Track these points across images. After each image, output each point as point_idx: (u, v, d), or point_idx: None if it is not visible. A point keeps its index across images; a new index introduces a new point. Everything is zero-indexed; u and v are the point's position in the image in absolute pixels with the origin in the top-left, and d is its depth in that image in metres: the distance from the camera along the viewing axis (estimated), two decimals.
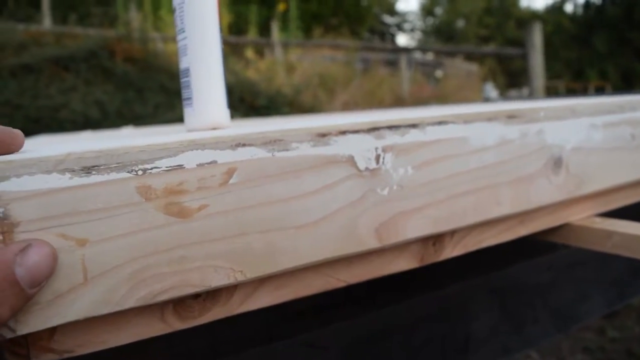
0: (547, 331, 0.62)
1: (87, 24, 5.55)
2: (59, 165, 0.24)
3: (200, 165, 0.27)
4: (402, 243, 0.35)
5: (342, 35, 7.94)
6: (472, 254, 0.44)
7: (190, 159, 0.27)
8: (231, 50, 6.59)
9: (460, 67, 8.19)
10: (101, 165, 0.25)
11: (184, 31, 0.36)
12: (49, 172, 0.24)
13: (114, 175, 0.25)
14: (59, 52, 4.25)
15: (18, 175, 0.23)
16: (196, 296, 0.30)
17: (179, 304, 0.30)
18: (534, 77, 5.53)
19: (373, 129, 0.33)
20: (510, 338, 0.59)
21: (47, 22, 5.93)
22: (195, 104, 0.37)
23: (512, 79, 10.86)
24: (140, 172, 0.25)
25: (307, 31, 8.62)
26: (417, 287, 0.53)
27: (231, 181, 0.28)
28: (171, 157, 0.26)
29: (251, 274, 0.29)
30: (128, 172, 0.25)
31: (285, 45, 6.92)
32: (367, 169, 0.32)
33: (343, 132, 0.32)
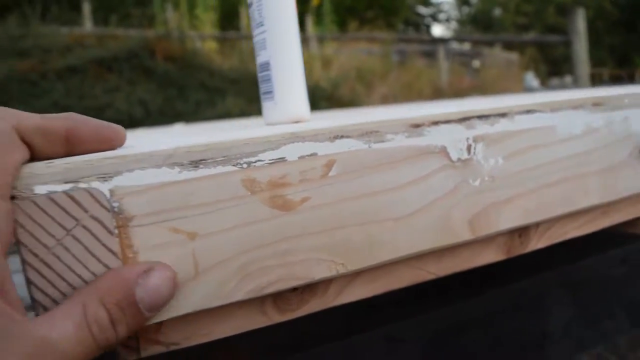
0: (623, 327, 0.61)
1: (127, 25, 5.67)
2: (169, 160, 0.24)
3: (301, 157, 0.27)
4: (493, 235, 0.35)
5: (377, 27, 7.88)
6: (545, 248, 0.43)
7: (291, 152, 0.26)
8: None
9: (499, 57, 8.02)
10: (208, 159, 0.25)
11: (262, 25, 0.36)
12: (159, 166, 0.24)
13: (220, 169, 0.25)
14: (102, 54, 4.35)
15: (130, 170, 0.23)
16: (294, 289, 0.30)
17: (279, 296, 0.30)
18: (577, 64, 5.37)
19: (464, 119, 0.32)
20: (585, 333, 0.58)
21: (88, 24, 6.08)
22: (277, 97, 0.37)
23: (553, 67, 10.59)
24: (245, 165, 0.25)
25: (341, 25, 8.58)
26: (492, 281, 0.52)
27: (331, 173, 0.27)
28: (273, 149, 0.26)
29: (352, 266, 0.29)
30: (233, 165, 0.25)
31: (321, 40, 6.92)
32: (459, 159, 0.32)
33: (435, 123, 0.31)
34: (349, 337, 0.45)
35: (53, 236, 0.22)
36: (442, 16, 17.35)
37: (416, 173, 0.30)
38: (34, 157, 0.23)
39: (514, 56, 8.32)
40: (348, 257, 0.29)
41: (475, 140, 0.32)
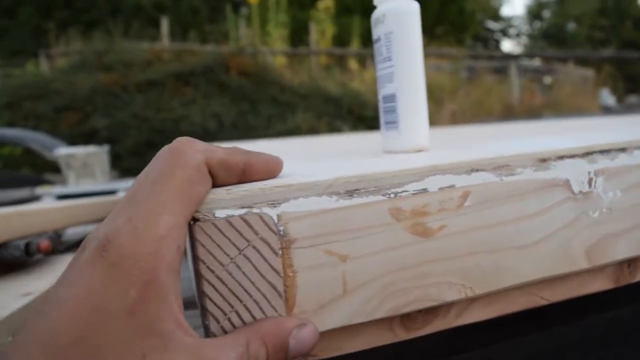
0: None
1: (203, 41, 5.90)
2: (328, 189, 0.27)
3: (441, 188, 0.29)
4: (608, 264, 0.36)
5: (446, 43, 7.81)
6: None
7: (433, 183, 0.29)
8: (335, 61, 6.71)
9: (573, 73, 7.77)
10: (362, 189, 0.27)
11: (390, 60, 0.39)
12: (319, 194, 0.27)
13: (371, 198, 0.28)
14: (180, 68, 4.55)
15: (295, 198, 0.26)
16: (420, 310, 0.32)
17: (406, 316, 0.32)
18: None
19: (587, 154, 0.33)
20: None
21: (166, 40, 6.37)
22: (402, 127, 0.39)
23: (631, 84, 10.14)
24: (392, 195, 0.28)
25: None
26: (588, 308, 0.52)
27: (466, 203, 0.30)
28: (417, 181, 0.28)
29: (478, 290, 0.31)
30: (382, 195, 0.28)
31: None
32: (580, 192, 0.33)
33: (561, 157, 0.33)
34: (448, 356, 0.46)
35: (228, 255, 0.25)
36: (512, 31, 16.98)
37: (541, 204, 0.32)
38: (214, 185, 0.27)
39: (589, 72, 8.03)
40: (476, 282, 0.31)
41: (597, 173, 0.34)
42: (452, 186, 0.29)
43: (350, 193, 0.27)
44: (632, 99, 9.94)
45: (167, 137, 3.93)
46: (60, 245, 0.79)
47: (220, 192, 0.26)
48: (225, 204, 0.25)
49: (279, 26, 7.34)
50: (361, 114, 4.45)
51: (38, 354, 0.20)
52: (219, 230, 0.25)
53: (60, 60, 5.72)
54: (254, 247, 0.26)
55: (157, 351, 0.22)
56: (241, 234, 0.26)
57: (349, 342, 0.31)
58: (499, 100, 5.52)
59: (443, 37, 8.24)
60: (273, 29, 7.26)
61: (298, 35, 7.86)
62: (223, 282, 0.26)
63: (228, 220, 0.25)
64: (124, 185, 1.71)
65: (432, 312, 0.33)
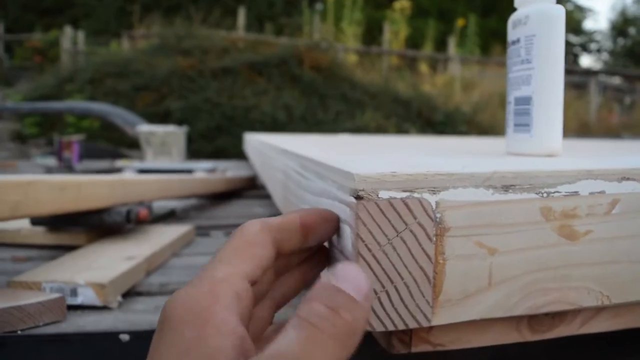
0: None
1: (278, 33, 5.99)
2: (486, 182, 0.28)
3: (591, 193, 0.29)
4: None
5: None
6: None
7: (584, 187, 0.29)
8: (407, 63, 6.66)
9: None
10: (517, 185, 0.28)
11: (529, 62, 0.39)
12: (477, 186, 0.27)
13: (525, 195, 0.28)
14: (255, 58, 4.63)
15: (455, 187, 0.27)
16: (547, 313, 0.32)
17: (533, 317, 0.32)
18: None
19: None
20: None
21: (241, 30, 6.51)
22: (535, 131, 0.39)
23: None
24: (545, 195, 0.28)
25: (484, 48, 8.40)
26: None
27: (614, 211, 0.29)
28: (570, 183, 0.29)
29: (615, 299, 0.31)
30: (536, 193, 0.28)
31: (463, 61, 6.82)
32: None
33: None
34: None
35: (386, 235, 0.26)
36: (593, 46, 16.34)
37: None
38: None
39: None
40: (614, 291, 0.30)
41: None
42: (602, 192, 0.29)
43: (506, 188, 0.28)
44: None
45: (237, 124, 4.03)
46: (152, 215, 0.83)
47: (386, 174, 0.27)
48: (389, 185, 0.26)
49: (353, 24, 7.35)
50: (430, 118, 4.40)
51: None
52: (381, 210, 0.26)
53: (141, 42, 5.95)
54: (411, 231, 0.27)
55: None
56: (401, 217, 0.27)
57: (477, 336, 0.32)
58: (575, 117, 5.33)
59: None
60: (347, 26, 7.27)
61: (371, 34, 7.84)
62: (378, 262, 0.27)
63: (390, 201, 0.26)
64: (199, 165, 1.77)
65: (559, 316, 0.33)
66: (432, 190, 0.27)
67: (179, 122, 4.10)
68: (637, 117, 6.07)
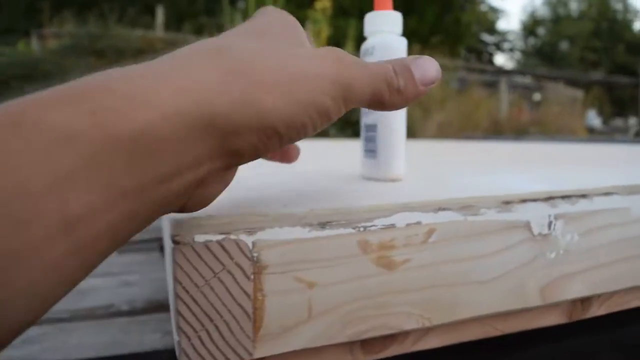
0: None
1: (198, 33, 5.89)
2: (302, 220, 0.29)
3: (408, 225, 0.31)
4: (561, 302, 0.38)
5: (441, 53, 7.87)
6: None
7: (401, 219, 0.31)
8: None
9: (562, 92, 7.88)
10: (333, 222, 0.29)
11: None
12: (293, 225, 0.29)
13: (342, 230, 0.29)
14: None
15: (271, 227, 0.28)
16: (378, 336, 0.34)
17: (366, 340, 0.34)
18: None
19: (549, 198, 0.36)
20: None
21: (160, 29, 6.35)
22: (380, 157, 0.41)
23: (618, 107, 10.29)
24: (362, 229, 0.30)
25: None
26: (545, 338, 0.54)
27: (430, 240, 0.32)
28: (387, 217, 0.30)
29: (436, 321, 0.33)
30: (353, 228, 0.30)
31: None
32: (540, 234, 0.35)
33: (524, 201, 0.35)
34: None
35: (203, 277, 0.27)
36: (506, 45, 17.12)
37: (501, 244, 0.34)
38: None
39: (578, 93, 8.15)
40: (434, 313, 0.33)
41: (557, 217, 0.36)
42: (418, 223, 0.31)
43: (322, 225, 0.29)
44: (617, 121, 10.11)
45: None
46: None
47: (202, 218, 0.27)
48: (205, 229, 0.27)
49: None
50: (349, 119, 4.47)
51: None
52: (197, 253, 0.27)
53: (52, 42, 5.69)
54: (229, 271, 0.28)
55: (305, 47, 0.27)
56: (217, 259, 0.27)
57: None
58: (487, 115, 5.59)
59: (438, 47, 8.29)
60: None
61: None
62: (196, 303, 0.27)
63: (207, 244, 0.27)
64: None
65: (390, 338, 0.35)
66: (249, 232, 0.28)
67: None
68: (544, 113, 6.44)
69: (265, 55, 0.23)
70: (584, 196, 0.37)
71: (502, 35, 16.85)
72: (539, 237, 0.35)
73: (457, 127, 4.76)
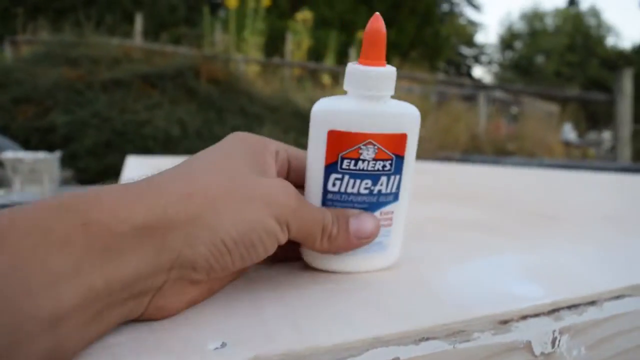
0: None
1: (177, 43, 5.79)
2: None
3: None
4: None
5: (419, 65, 7.88)
6: None
7: (373, 358, 0.24)
8: (309, 75, 6.68)
9: (538, 107, 7.94)
10: None
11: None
12: None
13: None
14: (149, 70, 4.43)
15: None
16: None
17: None
18: (620, 125, 5.25)
19: (553, 311, 0.30)
20: None
21: (138, 38, 6.23)
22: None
23: (592, 121, 10.44)
24: None
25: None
26: None
27: None
28: (355, 356, 0.24)
29: None
30: None
31: None
32: (542, 353, 0.29)
33: (524, 317, 0.29)
34: None
35: None
36: (484, 58, 17.34)
37: None
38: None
39: (554, 107, 8.23)
40: None
41: (562, 332, 0.30)
42: (395, 359, 0.25)
43: None
44: (592, 135, 10.25)
45: (128, 140, 3.82)
46: None
47: None
48: None
49: (256, 34, 7.29)
50: None
51: (186, 161, 0.29)
52: None
53: (25, 49, 5.52)
54: None
55: (262, 176, 0.29)
56: None
57: None
58: (466, 129, 5.58)
59: (417, 61, 8.31)
60: (249, 35, 7.20)
61: (274, 44, 7.81)
62: None
63: None
64: None
65: None
66: None
67: (64, 138, 3.83)
68: (522, 128, 6.47)
69: (223, 179, 0.27)
70: (592, 303, 0.31)
71: (480, 48, 17.05)
72: (540, 358, 0.29)
73: (436, 143, 4.72)
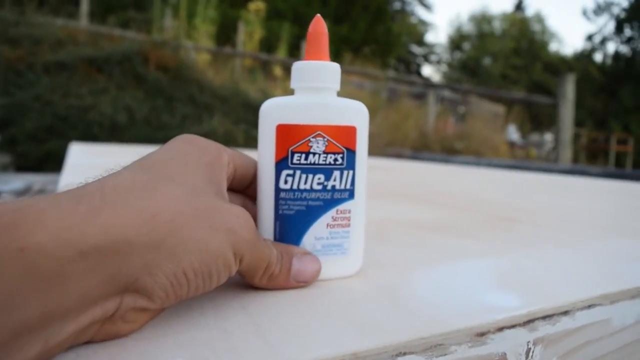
0: None
1: (124, 27, 5.59)
2: None
3: None
4: None
5: (371, 61, 7.94)
6: None
7: None
8: (260, 66, 6.61)
9: (486, 107, 8.16)
10: None
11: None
12: None
13: None
14: (95, 53, 4.26)
15: None
16: None
17: None
18: (562, 128, 5.46)
19: (528, 322, 0.29)
20: None
21: (84, 20, 5.99)
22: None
23: (535, 123, 10.82)
24: None
25: (336, 55, 8.64)
26: None
27: None
28: None
29: None
30: None
31: None
32: None
33: (500, 329, 0.28)
34: None
35: None
36: (433, 57, 17.67)
37: None
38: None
39: (500, 108, 8.47)
40: None
41: (535, 342, 0.29)
42: None
43: None
44: (534, 136, 10.63)
45: (72, 125, 3.66)
46: None
47: None
48: None
49: (207, 22, 7.15)
50: None
51: (136, 165, 0.27)
52: None
53: None
54: None
55: (222, 199, 0.28)
56: None
57: None
58: (415, 126, 5.66)
59: (368, 57, 8.37)
60: (200, 23, 7.05)
61: (226, 33, 7.68)
62: None
63: None
64: (6, 187, 1.52)
65: None
66: None
67: (3, 121, 3.63)
68: (469, 127, 6.62)
69: (186, 198, 0.25)
70: (565, 313, 0.31)
71: (430, 47, 17.35)
72: None
73: (386, 139, 4.77)
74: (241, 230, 0.26)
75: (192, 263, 0.23)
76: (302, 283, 0.31)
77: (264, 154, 0.32)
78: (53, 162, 3.33)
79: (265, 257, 0.29)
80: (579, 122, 9.92)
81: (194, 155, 0.29)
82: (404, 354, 0.24)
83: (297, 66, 0.33)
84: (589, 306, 0.32)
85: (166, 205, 0.23)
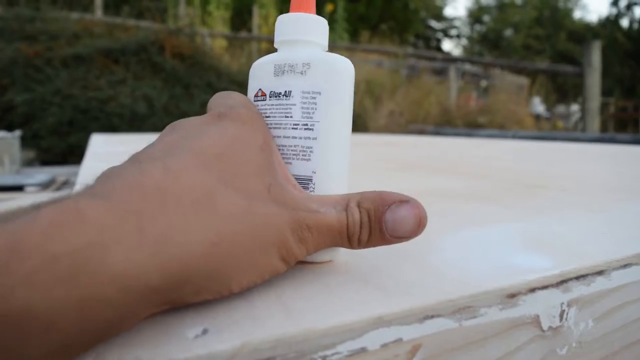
0: None
1: (139, 17, 5.60)
2: (233, 359, 0.19)
3: (384, 345, 0.22)
4: None
5: (389, 38, 7.84)
6: None
7: (374, 340, 0.22)
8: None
9: (509, 80, 8.00)
10: (277, 356, 0.20)
11: (310, 129, 0.29)
12: None
13: None
14: (111, 45, 4.28)
15: None
16: None
17: None
18: (589, 98, 5.32)
19: (561, 282, 0.27)
20: None
21: (99, 12, 6.01)
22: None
23: (561, 94, 10.59)
24: None
25: (353, 34, 8.54)
26: None
27: (415, 359, 0.23)
28: (354, 339, 0.21)
29: None
30: None
31: (332, 48, 6.88)
32: (550, 327, 0.27)
33: (532, 290, 0.26)
34: None
35: None
36: (453, 32, 17.36)
37: (504, 349, 0.25)
38: None
39: (523, 80, 8.30)
40: None
41: (570, 304, 0.28)
42: (398, 340, 0.22)
43: None
44: (560, 108, 10.41)
45: (93, 118, 3.70)
46: None
47: None
48: None
49: (222, 7, 7.12)
50: None
51: (190, 158, 0.22)
52: None
53: None
54: None
55: (278, 187, 0.25)
56: None
57: None
58: (436, 102, 5.58)
59: (387, 34, 8.26)
60: (215, 9, 7.03)
61: (241, 18, 7.65)
62: None
63: None
64: (32, 180, 1.54)
65: None
66: None
67: (24, 117, 3.68)
68: (492, 101, 6.51)
69: (244, 216, 0.23)
70: (600, 273, 0.29)
71: (449, 21, 17.04)
72: (548, 332, 0.27)
73: (407, 117, 4.71)
74: (292, 246, 0.24)
75: (241, 283, 0.23)
76: (403, 238, 0.26)
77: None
78: (76, 155, 3.37)
79: (335, 231, 0.26)
80: (606, 91, 9.67)
81: (247, 141, 0.26)
82: (432, 316, 0.23)
83: (279, 19, 0.31)
84: (625, 265, 0.31)
85: (225, 227, 0.22)
